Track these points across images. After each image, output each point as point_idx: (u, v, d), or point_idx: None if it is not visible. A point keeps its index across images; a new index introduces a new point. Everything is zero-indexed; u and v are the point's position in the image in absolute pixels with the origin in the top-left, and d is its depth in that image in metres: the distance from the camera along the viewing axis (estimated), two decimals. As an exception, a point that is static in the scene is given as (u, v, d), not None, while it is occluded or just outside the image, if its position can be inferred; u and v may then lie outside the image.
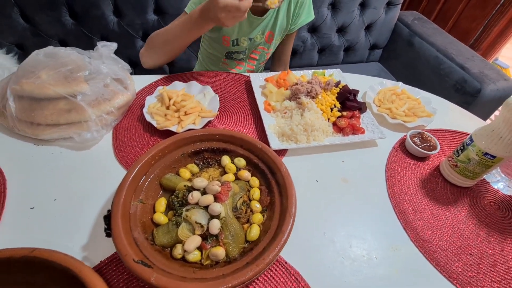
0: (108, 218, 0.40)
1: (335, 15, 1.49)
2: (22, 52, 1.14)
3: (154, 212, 0.46)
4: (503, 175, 0.58)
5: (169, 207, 0.47)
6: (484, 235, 0.51)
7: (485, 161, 0.52)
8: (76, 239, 0.45)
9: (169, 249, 0.42)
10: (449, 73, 1.32)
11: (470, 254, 0.49)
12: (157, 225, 0.44)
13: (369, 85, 0.78)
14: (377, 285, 0.44)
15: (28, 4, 1.08)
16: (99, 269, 0.42)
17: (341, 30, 1.57)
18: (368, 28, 1.60)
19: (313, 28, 1.51)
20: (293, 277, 0.43)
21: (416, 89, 0.80)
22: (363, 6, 1.51)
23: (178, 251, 0.41)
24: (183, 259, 0.41)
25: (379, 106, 0.74)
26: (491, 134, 0.50)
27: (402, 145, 0.66)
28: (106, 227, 0.40)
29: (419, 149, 0.62)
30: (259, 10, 0.81)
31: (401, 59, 1.64)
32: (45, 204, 0.49)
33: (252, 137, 0.54)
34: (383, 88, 0.79)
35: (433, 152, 0.62)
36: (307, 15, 0.91)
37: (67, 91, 0.58)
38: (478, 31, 1.89)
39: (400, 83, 0.81)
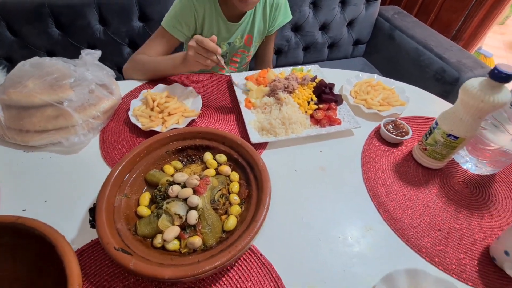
0: (93, 211, 0.43)
1: (317, 13, 1.53)
2: (10, 64, 1.17)
3: (139, 205, 0.49)
4: (471, 156, 0.62)
5: (153, 201, 0.50)
6: (453, 211, 0.55)
7: (450, 142, 0.55)
8: (65, 233, 0.47)
9: (150, 239, 0.45)
10: (429, 64, 1.36)
11: (439, 230, 0.52)
12: (140, 217, 0.47)
13: (346, 79, 0.82)
14: (352, 262, 0.47)
15: (14, 18, 1.10)
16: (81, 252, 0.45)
17: (323, 28, 1.61)
18: (350, 24, 1.64)
19: (296, 27, 1.54)
20: (266, 268, 0.45)
21: (391, 80, 0.84)
22: (343, 3, 1.55)
23: (158, 241, 0.43)
24: (163, 248, 0.44)
25: (355, 98, 0.77)
26: (453, 116, 0.54)
27: (377, 133, 0.70)
28: (91, 219, 0.42)
29: (391, 135, 0.65)
30: (234, 16, 0.85)
31: (383, 53, 1.68)
32: (36, 206, 0.52)
33: (232, 134, 0.57)
34: (359, 81, 0.83)
35: (405, 137, 0.65)
36: (284, 16, 0.94)
37: (53, 98, 0.61)
38: (459, 22, 1.94)
39: (376, 75, 0.85)
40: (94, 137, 0.65)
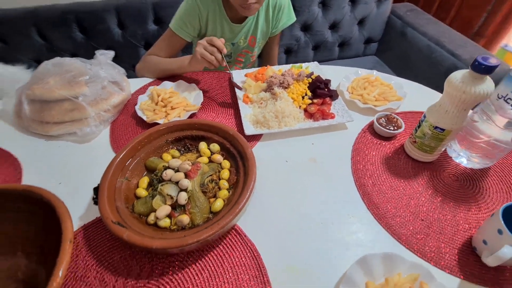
0: (96, 190, 0.49)
1: (326, 13, 1.54)
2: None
3: (138, 188, 0.54)
4: (464, 150, 0.62)
5: (150, 184, 0.55)
6: (439, 203, 0.55)
7: (437, 134, 0.56)
8: (75, 211, 0.54)
9: (145, 217, 0.50)
10: (441, 61, 1.33)
11: (422, 220, 0.53)
12: (138, 198, 0.53)
13: (345, 75, 0.84)
14: (332, 245, 0.50)
15: (43, 24, 1.22)
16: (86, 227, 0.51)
17: (333, 27, 1.61)
18: (361, 22, 1.64)
19: (305, 27, 1.56)
20: (248, 248, 0.49)
21: (391, 75, 0.84)
22: (353, 2, 1.56)
23: (151, 218, 0.48)
24: (156, 225, 0.49)
25: (352, 93, 0.79)
26: (439, 109, 0.55)
27: (370, 128, 0.71)
28: (94, 196, 0.48)
29: (383, 129, 0.67)
30: (238, 18, 0.90)
31: (395, 50, 1.65)
32: (52, 187, 0.58)
33: (226, 126, 0.61)
34: (358, 77, 0.84)
35: (397, 131, 0.66)
36: (288, 18, 0.97)
37: (70, 93, 0.68)
38: (481, 19, 1.87)
39: (375, 72, 0.86)
40: (105, 129, 0.72)
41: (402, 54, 1.58)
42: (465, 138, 0.60)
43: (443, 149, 0.61)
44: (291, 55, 1.66)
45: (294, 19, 0.99)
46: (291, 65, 0.87)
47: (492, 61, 0.46)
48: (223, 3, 0.88)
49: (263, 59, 1.14)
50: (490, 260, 0.42)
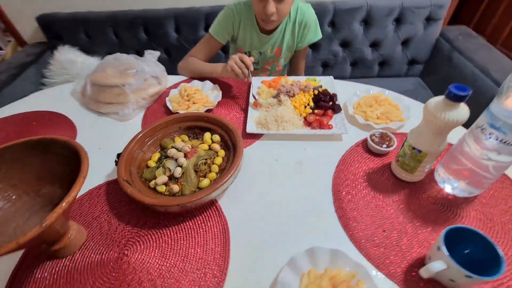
0: (119, 155, 0.64)
1: (368, 31, 1.56)
2: (111, 59, 1.59)
3: (150, 160, 0.69)
4: (448, 175, 0.62)
5: (159, 159, 0.69)
6: (407, 219, 0.58)
7: (415, 155, 0.59)
8: (104, 170, 0.71)
9: (148, 182, 0.63)
10: (484, 91, 1.25)
11: (384, 230, 0.56)
12: (148, 167, 0.67)
13: (354, 91, 0.88)
14: (289, 234, 0.57)
15: (118, 25, 1.51)
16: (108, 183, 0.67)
17: (374, 45, 1.62)
18: (405, 43, 1.61)
19: (344, 43, 1.60)
20: (222, 222, 0.59)
21: (401, 96, 0.86)
22: (398, 21, 1.54)
23: (152, 183, 0.62)
24: (155, 190, 0.62)
25: (356, 109, 0.83)
26: (417, 131, 0.58)
27: (364, 143, 0.75)
28: (116, 160, 0.64)
29: (373, 144, 0.70)
30: (266, 30, 1.01)
31: (440, 74, 1.58)
32: (94, 150, 0.77)
33: (229, 122, 0.72)
34: (367, 94, 0.88)
35: (386, 149, 0.70)
36: (314, 35, 1.05)
37: (119, 82, 0.87)
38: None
39: (387, 91, 0.88)
40: (140, 112, 0.89)
41: (446, 79, 1.51)
42: (448, 164, 0.61)
43: (425, 171, 0.62)
44: (327, 69, 1.71)
45: (320, 36, 1.06)
46: (306, 77, 0.95)
47: (463, 91, 0.49)
48: (255, 15, 1.00)
49: (290, 70, 1.23)
50: (422, 272, 0.45)
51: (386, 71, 1.72)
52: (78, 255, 0.54)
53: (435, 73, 1.62)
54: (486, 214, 0.59)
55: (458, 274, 0.42)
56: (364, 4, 1.49)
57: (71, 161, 0.49)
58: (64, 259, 0.53)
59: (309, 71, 1.67)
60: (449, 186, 0.63)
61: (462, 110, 0.51)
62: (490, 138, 0.50)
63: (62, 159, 0.50)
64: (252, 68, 0.84)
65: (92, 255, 0.54)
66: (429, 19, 1.54)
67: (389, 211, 0.59)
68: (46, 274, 0.51)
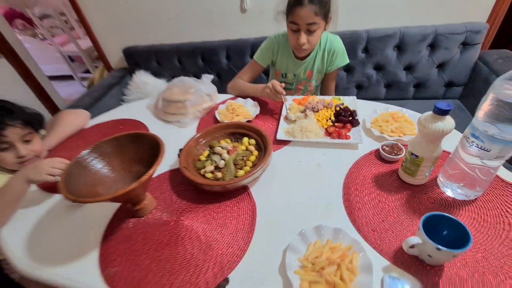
0: (180, 150, 0.87)
1: (401, 55, 1.65)
2: (174, 81, 1.94)
3: (201, 155, 0.91)
4: (446, 179, 0.71)
5: (208, 155, 0.90)
6: (403, 213, 0.69)
7: (413, 160, 0.70)
8: (168, 161, 0.94)
9: (199, 170, 0.85)
10: (520, 112, 1.25)
11: (383, 221, 0.68)
12: (199, 160, 0.89)
13: (373, 109, 1.01)
14: (303, 215, 0.71)
15: (182, 54, 1.86)
16: (173, 170, 0.90)
17: (408, 68, 1.70)
18: (441, 66, 1.66)
19: (378, 66, 1.71)
20: (251, 203, 0.76)
21: (418, 114, 0.96)
22: (432, 47, 1.61)
23: (202, 171, 0.83)
24: (204, 176, 0.83)
25: (373, 124, 0.96)
26: (415, 140, 0.70)
27: (377, 152, 0.87)
28: (178, 153, 0.87)
29: (384, 153, 0.83)
30: (300, 57, 1.21)
31: (479, 97, 1.56)
32: (161, 148, 1.02)
33: (263, 130, 0.92)
34: (386, 112, 1.00)
35: (395, 157, 0.81)
36: (341, 61, 1.22)
37: (182, 98, 1.14)
38: None
39: (405, 109, 0.99)
40: (196, 121, 1.14)
41: (484, 101, 1.51)
42: (447, 170, 0.71)
43: (425, 174, 0.73)
44: (361, 90, 1.82)
45: (347, 61, 1.22)
46: (332, 97, 1.11)
47: (446, 107, 0.61)
48: (290, 45, 1.21)
49: (322, 90, 1.40)
50: (404, 245, 0.56)
51: (422, 93, 1.77)
52: (150, 216, 0.76)
53: (474, 95, 1.63)
54: (483, 217, 0.66)
55: (431, 248, 0.53)
56: (397, 32, 1.60)
57: (152, 150, 0.72)
58: (140, 218, 0.76)
59: (343, 92, 1.81)
60: (450, 190, 0.72)
61: (447, 122, 0.62)
62: (472, 145, 0.61)
63: (148, 148, 0.74)
64: (283, 93, 1.03)
65: (159, 217, 0.76)
66: (465, 44, 1.58)
67: (390, 206, 0.71)
68: (130, 225, 0.74)
